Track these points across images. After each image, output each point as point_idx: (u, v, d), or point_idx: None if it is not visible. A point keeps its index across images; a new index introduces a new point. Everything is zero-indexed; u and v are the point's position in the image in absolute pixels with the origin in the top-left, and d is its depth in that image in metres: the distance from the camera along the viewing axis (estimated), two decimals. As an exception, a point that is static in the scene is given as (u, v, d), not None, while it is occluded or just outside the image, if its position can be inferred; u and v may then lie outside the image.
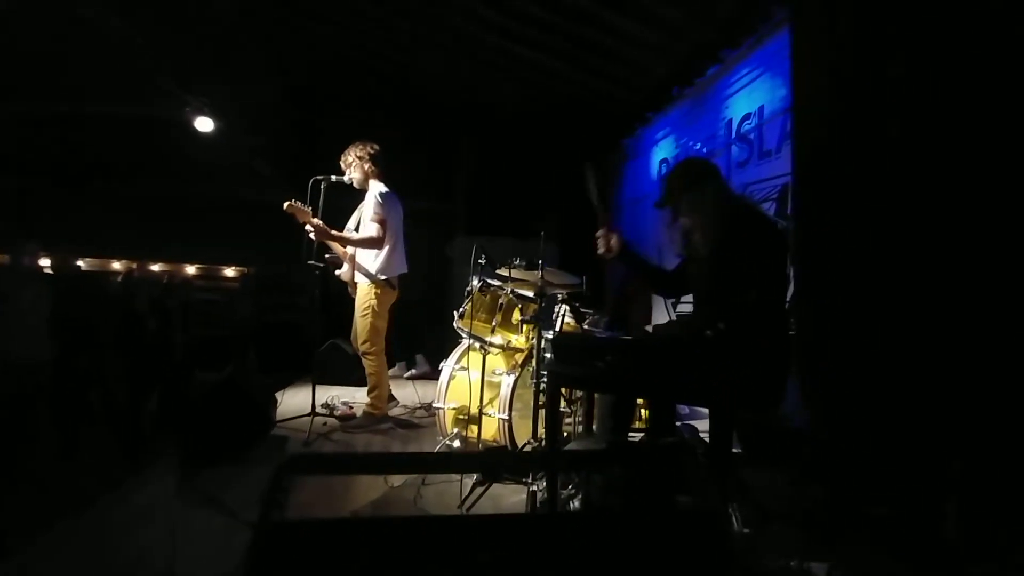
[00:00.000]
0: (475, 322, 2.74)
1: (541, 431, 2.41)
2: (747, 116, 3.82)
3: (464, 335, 2.76)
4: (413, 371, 5.13)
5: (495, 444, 2.63)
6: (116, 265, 4.54)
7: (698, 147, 4.37)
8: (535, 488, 2.05)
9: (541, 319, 2.40)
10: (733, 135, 3.95)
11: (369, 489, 2.31)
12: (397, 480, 2.39)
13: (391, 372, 3.91)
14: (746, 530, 1.73)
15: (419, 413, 3.75)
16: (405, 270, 3.42)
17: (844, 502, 2.02)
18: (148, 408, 3.29)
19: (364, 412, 3.35)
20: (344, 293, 3.54)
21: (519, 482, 2.28)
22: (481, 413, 2.56)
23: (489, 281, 2.74)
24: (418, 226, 3.70)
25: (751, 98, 3.77)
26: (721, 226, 1.91)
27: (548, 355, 2.33)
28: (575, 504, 1.81)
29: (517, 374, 2.60)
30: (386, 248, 3.26)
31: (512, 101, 5.43)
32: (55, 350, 3.04)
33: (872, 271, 2.17)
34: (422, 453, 2.62)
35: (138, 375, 3.46)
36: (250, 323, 4.82)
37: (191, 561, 1.76)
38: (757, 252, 1.82)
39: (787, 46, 3.09)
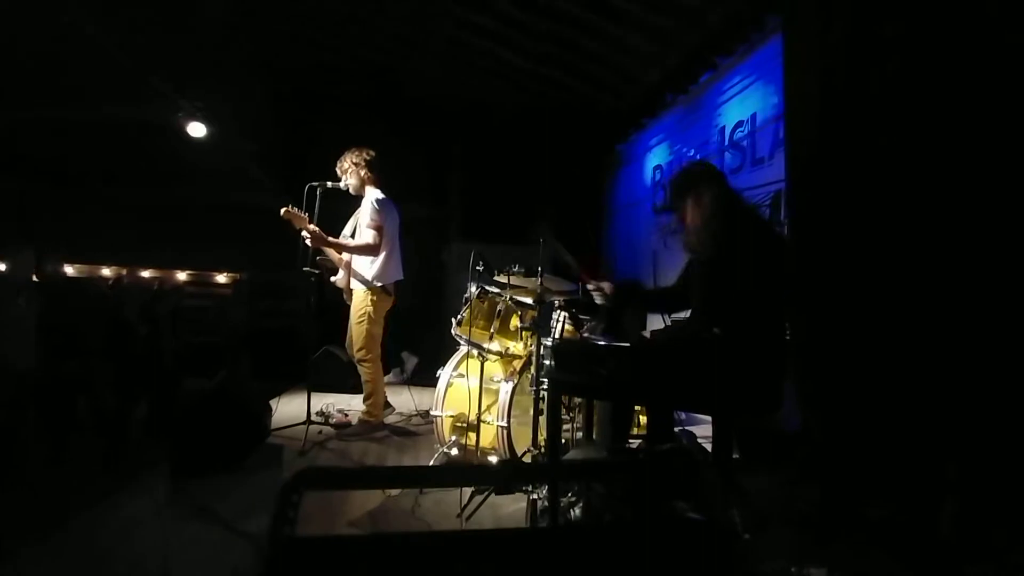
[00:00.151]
0: (473, 329, 2.74)
1: (539, 438, 2.41)
2: (740, 123, 3.86)
3: (463, 342, 2.75)
4: (405, 374, 5.10)
5: (494, 452, 2.62)
6: (105, 271, 4.46)
7: (692, 153, 4.41)
8: (535, 496, 2.03)
9: (540, 326, 2.40)
10: (726, 142, 3.99)
11: (366, 499, 2.29)
12: (395, 489, 2.37)
13: (386, 379, 3.89)
14: (747, 536, 1.73)
15: (415, 420, 3.72)
16: (401, 277, 3.41)
17: (840, 504, 2.03)
18: (137, 416, 3.23)
19: (360, 420, 3.33)
20: (338, 299, 3.51)
21: (519, 490, 2.26)
22: (479, 420, 2.55)
23: (487, 288, 2.74)
24: (412, 232, 3.69)
25: (744, 105, 3.82)
26: (722, 229, 1.93)
27: (547, 362, 2.33)
28: (576, 512, 1.80)
29: (515, 381, 2.59)
30: (382, 254, 3.25)
31: (507, 107, 5.45)
32: (42, 357, 2.99)
33: (865, 275, 2.20)
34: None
35: (127, 382, 3.40)
36: (242, 330, 4.77)
37: (185, 573, 1.73)
38: (757, 256, 1.84)
39: (779, 54, 3.14)
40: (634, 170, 5.48)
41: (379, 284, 3.26)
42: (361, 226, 3.28)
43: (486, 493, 2.27)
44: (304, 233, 3.10)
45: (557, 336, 2.54)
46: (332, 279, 3.46)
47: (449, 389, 2.79)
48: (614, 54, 4.32)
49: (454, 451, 2.69)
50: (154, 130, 4.60)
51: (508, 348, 2.78)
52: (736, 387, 1.55)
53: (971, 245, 1.84)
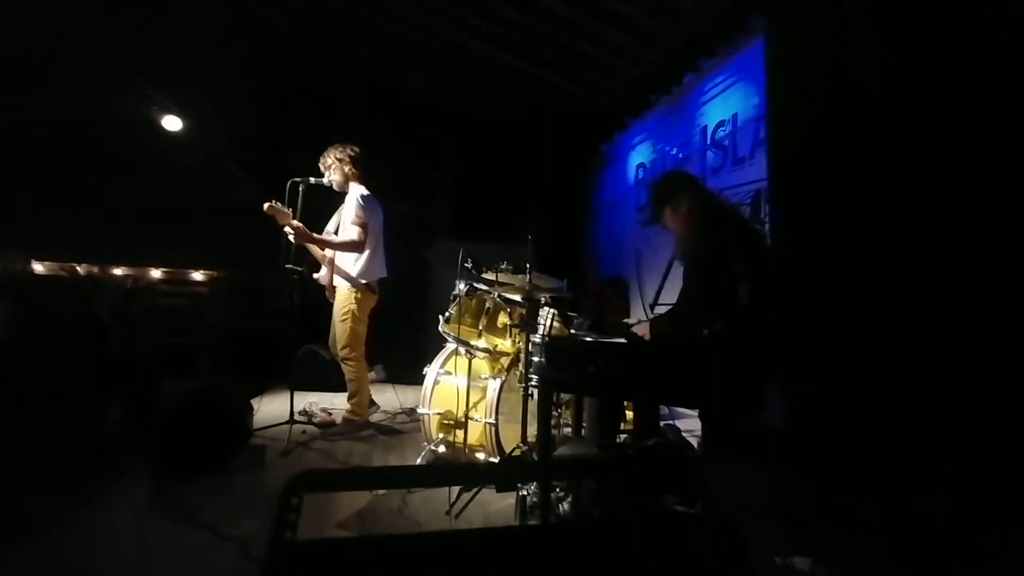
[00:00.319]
0: (461, 326, 2.73)
1: (528, 435, 2.42)
2: (721, 123, 3.92)
3: (450, 339, 2.74)
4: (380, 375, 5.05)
5: (481, 449, 2.61)
6: (77, 269, 4.30)
7: (674, 152, 4.46)
8: (524, 492, 2.04)
9: (529, 323, 2.40)
10: (708, 141, 4.05)
11: (354, 500, 2.26)
12: (384, 489, 2.34)
13: (369, 376, 3.85)
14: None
15: (400, 419, 3.70)
16: (385, 274, 3.37)
17: (823, 497, 2.08)
18: (112, 418, 3.14)
19: (344, 419, 3.29)
20: (320, 297, 3.46)
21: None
22: (467, 418, 2.55)
23: (476, 285, 2.73)
24: (397, 229, 3.64)
25: (725, 106, 3.88)
26: (703, 239, 1.98)
27: (536, 359, 2.34)
28: (564, 507, 1.82)
29: (503, 378, 2.59)
30: (367, 252, 3.21)
31: (492, 105, 5.43)
32: (12, 358, 2.88)
33: (845, 272, 2.26)
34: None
35: (101, 383, 3.30)
36: (220, 329, 4.66)
37: (170, 580, 1.69)
38: (740, 258, 1.88)
39: (760, 55, 3.19)
40: (618, 169, 5.52)
41: (364, 282, 3.22)
42: (345, 223, 3.23)
43: (475, 491, 2.27)
44: (287, 229, 3.04)
45: (547, 334, 2.55)
46: (315, 276, 3.41)
47: (436, 387, 2.78)
48: (600, 54, 4.34)
49: (441, 448, 2.68)
50: (125, 125, 4.45)
51: (496, 346, 2.77)
52: (730, 384, 1.58)
53: (950, 241, 1.90)
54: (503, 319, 2.80)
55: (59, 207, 4.88)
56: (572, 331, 2.60)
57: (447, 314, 2.74)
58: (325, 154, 3.28)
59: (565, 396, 2.61)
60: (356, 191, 3.24)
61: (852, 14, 2.23)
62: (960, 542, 1.66)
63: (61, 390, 3.00)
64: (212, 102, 4.49)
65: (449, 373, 2.80)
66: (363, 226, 3.16)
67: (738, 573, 0.75)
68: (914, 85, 2.02)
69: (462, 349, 2.71)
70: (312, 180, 3.16)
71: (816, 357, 2.32)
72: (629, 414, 2.68)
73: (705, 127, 4.09)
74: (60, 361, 3.09)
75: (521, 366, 2.43)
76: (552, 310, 2.59)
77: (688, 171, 3.02)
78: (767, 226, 3.08)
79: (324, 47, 4.80)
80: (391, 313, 3.85)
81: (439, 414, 2.73)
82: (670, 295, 2.31)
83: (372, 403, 3.47)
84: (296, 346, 4.31)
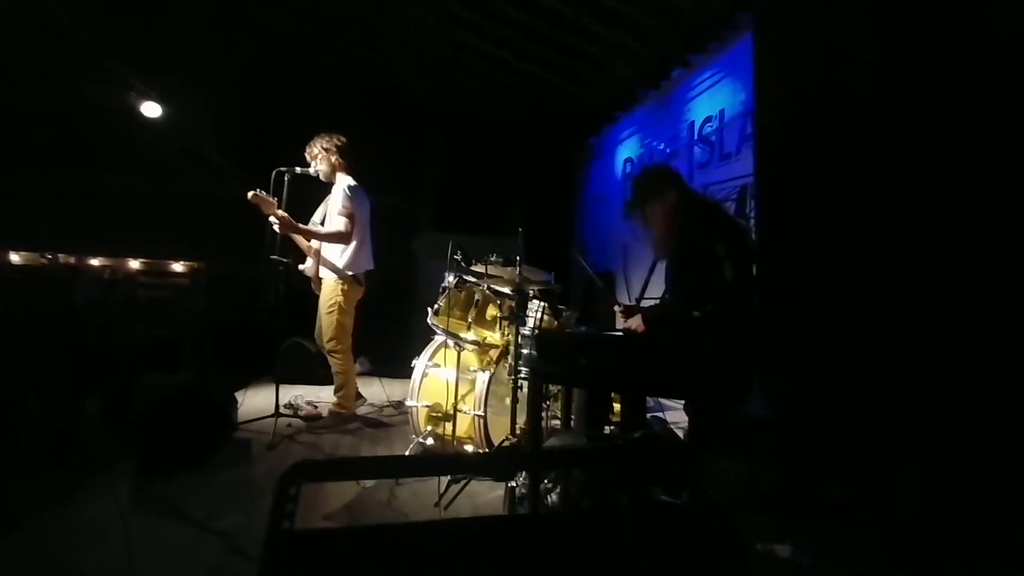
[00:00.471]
0: (451, 319, 2.72)
1: (517, 427, 2.43)
2: (708, 119, 3.96)
3: (439, 332, 2.73)
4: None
5: (470, 441, 2.62)
6: (54, 259, 4.17)
7: (662, 147, 4.50)
8: (513, 484, 2.05)
9: (519, 316, 2.41)
10: (695, 137, 4.09)
11: (342, 492, 2.25)
12: (369, 480, 2.34)
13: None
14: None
15: (387, 411, 3.68)
16: (372, 266, 3.34)
17: (802, 485, 2.14)
18: (90, 411, 3.07)
19: (331, 411, 3.27)
20: (306, 289, 3.42)
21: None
22: (456, 410, 2.55)
23: (466, 278, 2.72)
24: (384, 222, 3.61)
25: (712, 101, 3.92)
26: (685, 227, 2.00)
27: (526, 351, 2.34)
28: (553, 498, 1.83)
29: (492, 371, 2.60)
30: (354, 243, 3.18)
31: (481, 98, 5.40)
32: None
33: (831, 267, 2.31)
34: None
35: (79, 377, 3.22)
36: (202, 321, 4.57)
37: (157, 574, 1.66)
38: (724, 253, 1.91)
39: (748, 52, 3.22)
40: (606, 163, 5.55)
41: (350, 273, 3.19)
42: (332, 213, 3.19)
43: (464, 482, 2.28)
44: (272, 219, 2.99)
45: (538, 326, 2.55)
46: (300, 268, 3.36)
47: (424, 379, 2.77)
48: (589, 48, 4.34)
49: (430, 441, 2.69)
50: (107, 115, 4.33)
51: (485, 338, 2.78)
52: (718, 365, 1.61)
53: (933, 236, 1.95)
54: (492, 311, 2.80)
55: (37, 197, 4.74)
56: (562, 322, 2.61)
57: (436, 306, 2.73)
58: (311, 143, 3.22)
59: (554, 388, 2.63)
60: (343, 181, 3.20)
61: (839, 11, 2.26)
62: (947, 538, 1.71)
63: (38, 382, 2.92)
64: (201, 93, 4.39)
65: (438, 366, 2.80)
66: (350, 217, 3.12)
67: (730, 561, 0.77)
68: (900, 82, 2.06)
69: (451, 342, 2.71)
70: (298, 169, 3.11)
71: (801, 350, 2.37)
72: (616, 407, 2.72)
73: (692, 122, 4.12)
74: (37, 353, 3.01)
75: (511, 358, 2.44)
76: (542, 303, 2.60)
77: (672, 166, 3.05)
78: (752, 221, 3.13)
79: (324, 47, 4.74)
80: (377, 305, 3.83)
81: (427, 407, 2.72)
82: (656, 289, 2.34)
83: (359, 396, 3.45)
84: (281, 338, 4.26)
